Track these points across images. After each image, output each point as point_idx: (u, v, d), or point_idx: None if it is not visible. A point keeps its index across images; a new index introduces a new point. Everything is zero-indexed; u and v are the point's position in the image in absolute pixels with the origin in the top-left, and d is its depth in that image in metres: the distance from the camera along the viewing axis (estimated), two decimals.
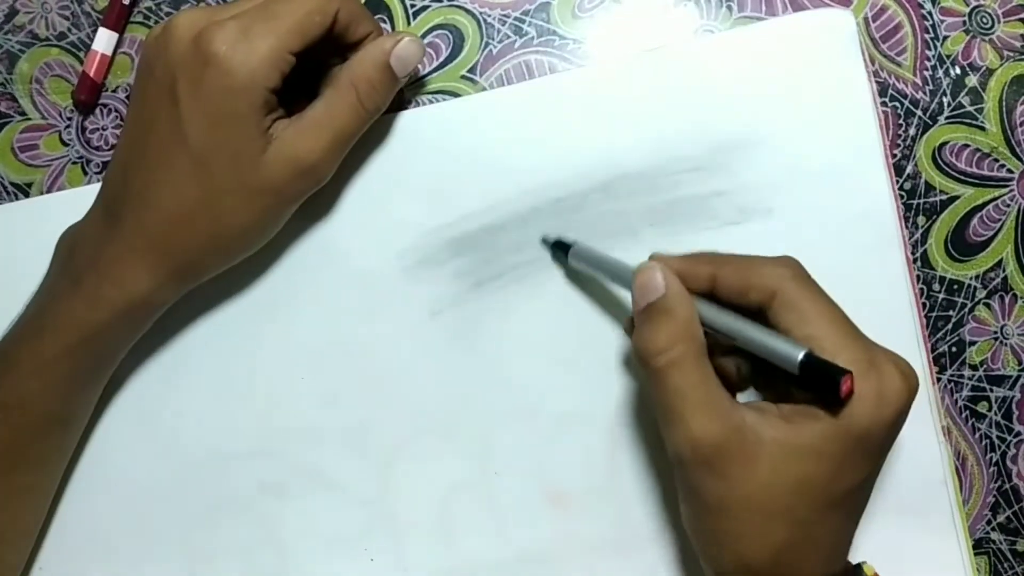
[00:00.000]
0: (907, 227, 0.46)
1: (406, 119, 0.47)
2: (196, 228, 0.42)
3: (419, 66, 0.47)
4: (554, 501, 0.46)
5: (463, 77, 0.47)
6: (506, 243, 0.47)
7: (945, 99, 0.46)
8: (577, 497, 0.46)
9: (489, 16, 0.48)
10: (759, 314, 0.37)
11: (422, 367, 0.47)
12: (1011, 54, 0.47)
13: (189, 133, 0.40)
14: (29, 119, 0.48)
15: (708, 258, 0.39)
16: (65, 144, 0.48)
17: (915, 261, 0.46)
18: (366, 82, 0.42)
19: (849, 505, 0.37)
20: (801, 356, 0.34)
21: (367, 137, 0.45)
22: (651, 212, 0.46)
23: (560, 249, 0.45)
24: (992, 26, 0.47)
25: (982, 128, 0.46)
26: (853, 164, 0.46)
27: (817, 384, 0.34)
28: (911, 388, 0.35)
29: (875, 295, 0.45)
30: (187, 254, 0.43)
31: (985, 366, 0.46)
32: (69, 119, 0.48)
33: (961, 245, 0.46)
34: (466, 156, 0.47)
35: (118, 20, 0.48)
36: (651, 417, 0.46)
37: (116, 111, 0.48)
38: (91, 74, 0.47)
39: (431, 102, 0.47)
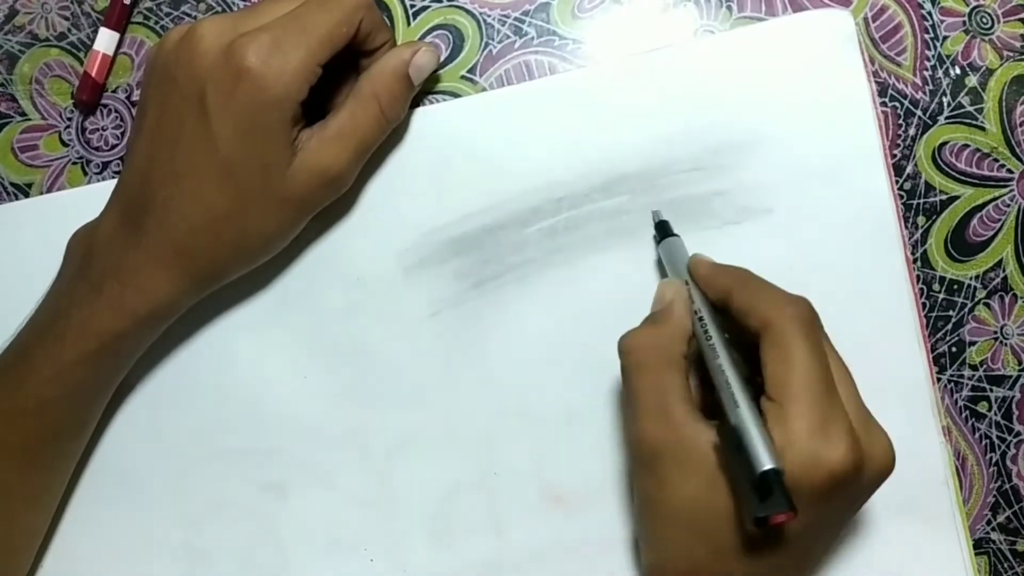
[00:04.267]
0: (907, 227, 0.46)
1: (406, 120, 0.47)
2: (221, 237, 0.42)
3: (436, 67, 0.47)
4: (554, 501, 0.46)
5: (463, 77, 0.47)
6: (506, 243, 0.47)
7: (945, 99, 0.46)
8: (577, 497, 0.46)
9: (489, 16, 0.48)
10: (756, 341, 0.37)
11: (422, 367, 0.47)
12: (1011, 54, 0.47)
13: (219, 145, 0.40)
14: (29, 119, 0.48)
15: (732, 272, 0.40)
16: (65, 144, 0.48)
17: (915, 261, 0.46)
18: (388, 93, 0.43)
19: (778, 555, 0.36)
20: (769, 467, 0.33)
21: None
22: (651, 212, 0.46)
23: (660, 230, 0.45)
24: (992, 26, 0.47)
25: (982, 128, 0.46)
26: (853, 164, 0.46)
27: (763, 494, 0.33)
28: (855, 464, 0.35)
29: (875, 295, 0.45)
30: (210, 262, 0.43)
31: (985, 366, 0.46)
32: (69, 119, 0.48)
33: (961, 245, 0.46)
34: (466, 156, 0.47)
35: (119, 20, 0.48)
36: None
37: (116, 112, 0.48)
38: (93, 74, 0.47)
39: (431, 102, 0.47)
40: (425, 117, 0.47)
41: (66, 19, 0.49)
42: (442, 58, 0.47)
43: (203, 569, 0.47)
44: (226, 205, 0.41)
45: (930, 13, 0.46)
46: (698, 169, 0.46)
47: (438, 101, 0.47)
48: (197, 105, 0.40)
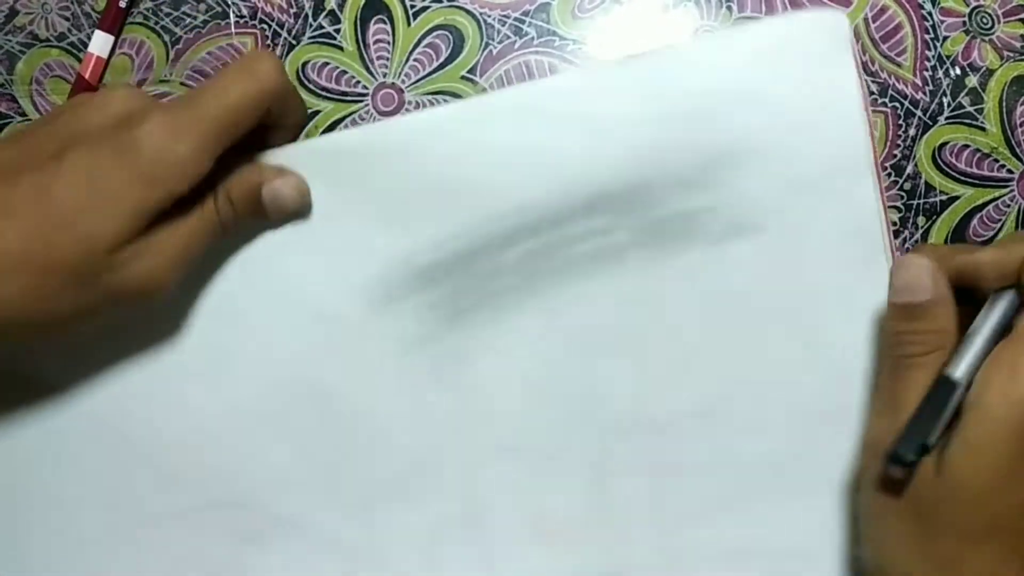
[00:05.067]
0: (907, 227, 0.46)
1: (364, 135, 0.45)
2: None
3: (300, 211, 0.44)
4: (542, 536, 0.45)
5: (463, 78, 0.47)
6: (482, 271, 0.44)
7: (945, 99, 0.46)
8: (565, 531, 0.45)
9: (489, 17, 0.47)
10: None
11: (398, 404, 0.45)
12: (1011, 54, 0.46)
13: (57, 186, 0.36)
14: (29, 120, 0.48)
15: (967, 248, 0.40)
16: None
17: None
18: (226, 200, 0.41)
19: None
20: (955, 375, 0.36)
21: (324, 160, 0.44)
22: (638, 231, 0.44)
23: None
24: (992, 26, 0.46)
25: (982, 129, 0.46)
26: (842, 174, 0.44)
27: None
28: None
29: (864, 310, 0.44)
30: None
31: None
32: None
33: None
34: (435, 177, 0.44)
35: (114, 23, 0.47)
36: (638, 447, 0.45)
37: None
38: (86, 76, 0.47)
39: (433, 103, 0.47)
40: (387, 132, 0.44)
41: (66, 19, 0.48)
42: (441, 59, 0.47)
43: None
44: (25, 256, 0.36)
45: (930, 13, 0.46)
46: (685, 185, 0.44)
47: (439, 103, 0.47)
48: (63, 138, 0.37)
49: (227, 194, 0.41)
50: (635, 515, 0.45)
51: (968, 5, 0.46)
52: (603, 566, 0.45)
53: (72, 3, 0.48)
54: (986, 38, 0.46)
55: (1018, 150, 0.46)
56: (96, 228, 0.36)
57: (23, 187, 0.36)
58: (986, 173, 0.46)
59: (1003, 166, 0.46)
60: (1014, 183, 0.46)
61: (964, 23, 0.46)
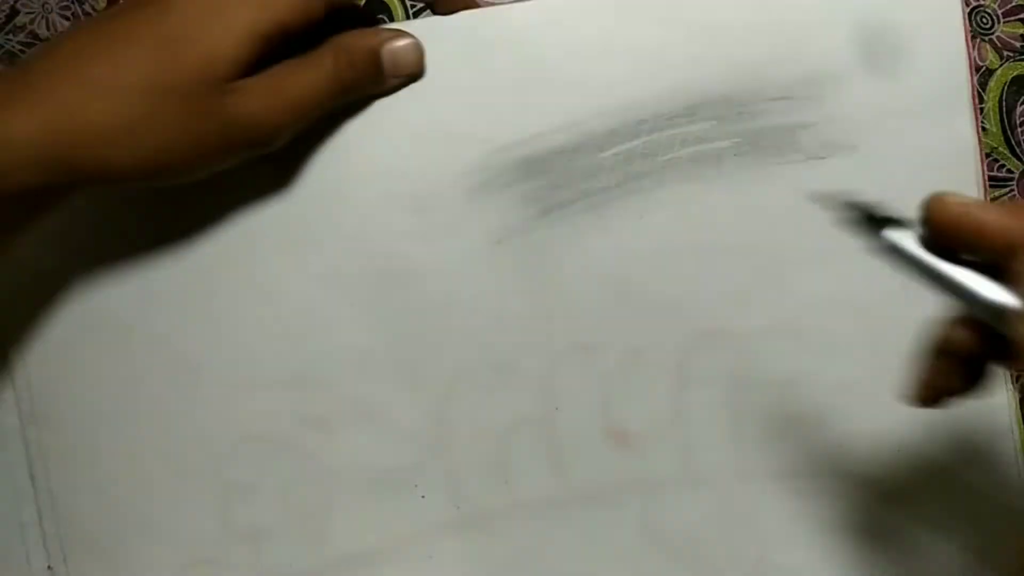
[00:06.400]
0: None
1: (475, 19, 0.44)
2: (119, 118, 0.37)
3: (415, 74, 0.44)
4: (616, 439, 0.46)
5: None
6: (580, 168, 0.44)
7: None
8: (641, 435, 0.46)
9: None
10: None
11: (483, 296, 0.45)
12: (1011, 54, 0.47)
13: (173, 12, 0.37)
14: None
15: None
16: None
17: None
18: (347, 57, 0.41)
19: None
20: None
21: (430, 40, 0.44)
22: (736, 140, 0.45)
23: (873, 224, 0.34)
24: (992, 26, 0.47)
25: (982, 128, 0.46)
26: (941, 105, 0.44)
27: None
28: None
29: None
30: (97, 158, 0.38)
31: None
32: None
33: None
34: (540, 67, 0.44)
35: None
36: (718, 356, 0.46)
37: None
38: None
39: None
40: (499, 19, 0.44)
41: (67, 19, 0.47)
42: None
43: (239, 506, 0.47)
44: (147, 78, 0.37)
45: None
46: (787, 98, 0.44)
47: None
48: None
49: (347, 53, 0.41)
50: (709, 426, 0.45)
51: (968, 5, 0.46)
52: (673, 472, 0.46)
53: (73, 3, 0.47)
54: (986, 38, 0.47)
55: (1018, 150, 0.47)
56: (214, 47, 0.37)
57: (145, 13, 0.38)
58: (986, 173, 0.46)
59: (1003, 166, 0.47)
60: (1014, 183, 0.47)
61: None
